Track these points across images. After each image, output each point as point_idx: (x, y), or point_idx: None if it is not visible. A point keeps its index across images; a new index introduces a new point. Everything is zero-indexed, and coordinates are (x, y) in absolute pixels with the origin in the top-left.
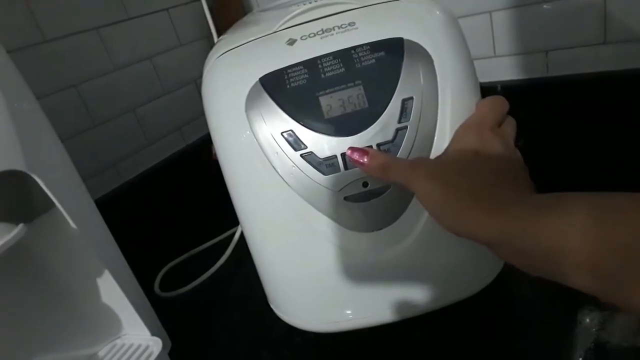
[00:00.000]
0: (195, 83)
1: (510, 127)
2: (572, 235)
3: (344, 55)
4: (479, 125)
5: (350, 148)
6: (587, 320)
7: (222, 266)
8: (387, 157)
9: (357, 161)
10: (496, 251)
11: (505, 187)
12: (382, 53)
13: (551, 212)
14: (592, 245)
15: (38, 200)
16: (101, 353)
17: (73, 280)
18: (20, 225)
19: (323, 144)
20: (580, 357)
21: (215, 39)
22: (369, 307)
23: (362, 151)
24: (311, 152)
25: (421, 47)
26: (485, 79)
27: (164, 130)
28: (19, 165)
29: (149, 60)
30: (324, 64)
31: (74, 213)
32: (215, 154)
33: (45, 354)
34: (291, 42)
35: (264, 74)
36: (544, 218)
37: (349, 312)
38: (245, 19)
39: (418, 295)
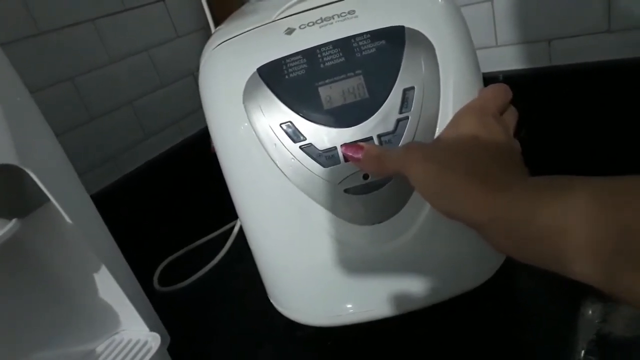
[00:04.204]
0: (194, 75)
1: (512, 116)
2: (574, 217)
3: (344, 45)
4: (481, 110)
5: (344, 145)
6: (590, 312)
7: (221, 260)
8: (381, 149)
9: (351, 157)
10: (489, 234)
11: (504, 170)
12: (383, 42)
13: (552, 193)
14: (594, 227)
15: (32, 195)
16: (99, 349)
17: (69, 276)
18: (14, 220)
19: (322, 136)
20: (582, 349)
21: (213, 30)
22: (370, 301)
23: (356, 146)
24: (310, 144)
25: (423, 35)
26: (486, 69)
27: (162, 124)
28: (11, 159)
29: (146, 53)
30: (323, 54)
31: (69, 207)
32: (213, 147)
33: (43, 350)
34: (289, 31)
35: (261, 64)
36: (544, 199)
37: (349, 306)
38: (243, 8)
39: (419, 288)
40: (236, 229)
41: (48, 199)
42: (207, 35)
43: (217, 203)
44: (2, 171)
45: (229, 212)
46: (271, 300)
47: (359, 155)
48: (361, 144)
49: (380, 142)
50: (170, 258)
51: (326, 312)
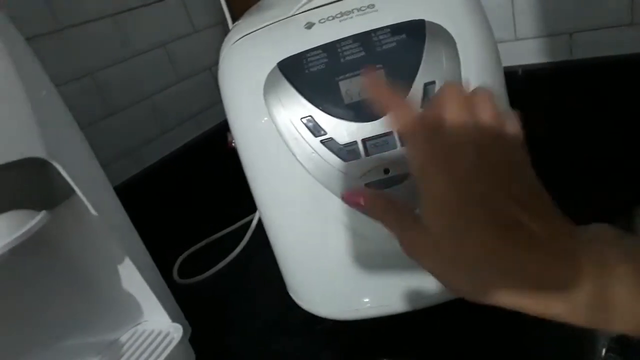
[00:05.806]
0: (211, 70)
1: (513, 127)
2: (617, 291)
3: (364, 39)
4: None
5: (343, 193)
6: None
7: (240, 253)
8: (383, 198)
9: (353, 204)
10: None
11: (521, 214)
12: (403, 36)
13: (591, 263)
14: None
15: (59, 188)
16: (123, 339)
17: (95, 267)
18: (43, 212)
19: (343, 130)
20: (604, 347)
21: (230, 25)
22: (388, 295)
23: (358, 193)
24: (331, 138)
25: (443, 29)
26: (505, 63)
27: (180, 118)
28: (39, 152)
29: (163, 48)
30: (344, 48)
31: (94, 200)
32: (230, 142)
33: (68, 340)
34: (309, 25)
35: (282, 58)
36: (583, 268)
37: (367, 300)
38: (260, 3)
39: (437, 284)
40: (254, 222)
41: (74, 192)
42: (224, 30)
43: (235, 196)
44: (31, 164)
45: (246, 205)
46: (290, 293)
47: (359, 201)
48: (362, 190)
49: None
50: (189, 251)
51: (344, 305)
